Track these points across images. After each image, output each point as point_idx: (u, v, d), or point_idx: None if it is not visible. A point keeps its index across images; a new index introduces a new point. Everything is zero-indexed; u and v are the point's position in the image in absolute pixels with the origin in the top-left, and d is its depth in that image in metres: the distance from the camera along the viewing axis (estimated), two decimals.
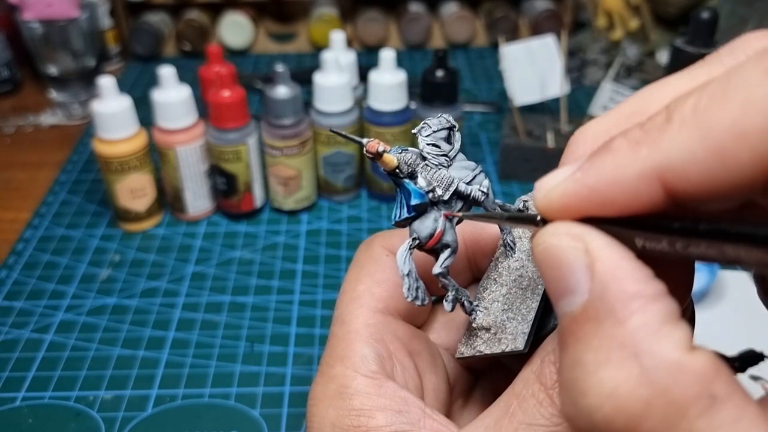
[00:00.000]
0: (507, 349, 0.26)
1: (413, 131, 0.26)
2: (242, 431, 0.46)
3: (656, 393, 0.16)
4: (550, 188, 0.20)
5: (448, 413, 0.30)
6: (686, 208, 0.18)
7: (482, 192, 0.26)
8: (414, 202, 0.25)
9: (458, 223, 0.26)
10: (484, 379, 0.33)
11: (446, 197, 0.25)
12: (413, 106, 0.68)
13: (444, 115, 0.26)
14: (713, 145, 0.16)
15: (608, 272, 0.18)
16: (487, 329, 0.27)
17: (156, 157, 0.65)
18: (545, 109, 0.81)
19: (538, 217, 0.21)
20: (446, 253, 0.25)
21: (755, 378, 0.48)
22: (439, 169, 0.25)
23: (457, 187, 0.25)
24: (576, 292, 0.18)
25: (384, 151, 0.24)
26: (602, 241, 0.18)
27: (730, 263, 0.17)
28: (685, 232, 0.17)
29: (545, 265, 0.19)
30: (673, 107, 0.17)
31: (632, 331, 0.17)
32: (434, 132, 0.26)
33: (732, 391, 0.16)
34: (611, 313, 0.17)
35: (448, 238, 0.25)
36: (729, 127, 0.16)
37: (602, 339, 0.17)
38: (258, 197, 0.68)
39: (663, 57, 0.93)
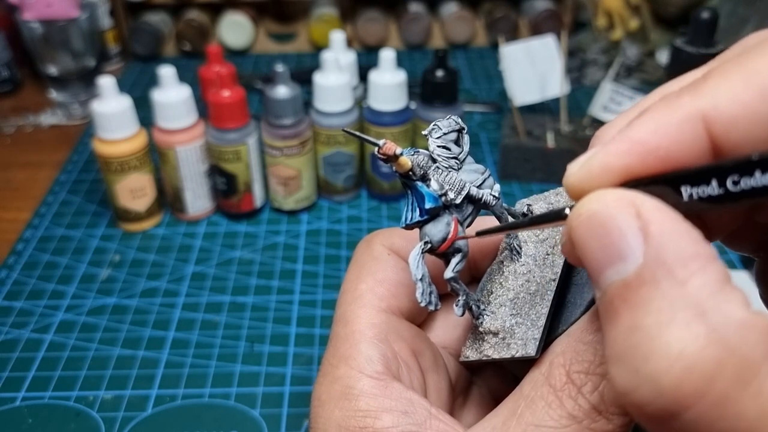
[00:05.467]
0: (517, 355, 0.25)
1: (423, 132, 0.26)
2: (242, 431, 0.46)
3: (727, 351, 0.16)
4: (585, 159, 0.19)
5: (451, 412, 0.30)
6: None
7: (494, 196, 0.26)
8: (428, 205, 0.24)
9: (469, 225, 0.26)
10: (477, 376, 0.33)
11: (458, 201, 0.25)
12: (413, 106, 0.68)
13: (453, 117, 0.26)
14: (756, 86, 0.16)
15: (664, 233, 0.17)
16: (495, 334, 0.27)
17: (156, 157, 0.65)
18: (545, 109, 0.81)
19: (566, 210, 0.20)
20: (457, 257, 0.25)
21: None
22: (450, 171, 0.25)
23: (468, 191, 0.25)
24: (628, 258, 0.18)
25: (401, 154, 0.24)
26: (652, 203, 0.18)
27: None
28: (736, 165, 0.17)
29: (589, 234, 0.19)
30: (708, 66, 0.18)
31: (695, 290, 0.16)
32: (444, 134, 0.25)
33: None
34: (670, 275, 0.17)
35: (459, 242, 0.25)
36: None
37: (663, 301, 0.17)
38: (258, 197, 0.68)
39: (663, 57, 0.93)
